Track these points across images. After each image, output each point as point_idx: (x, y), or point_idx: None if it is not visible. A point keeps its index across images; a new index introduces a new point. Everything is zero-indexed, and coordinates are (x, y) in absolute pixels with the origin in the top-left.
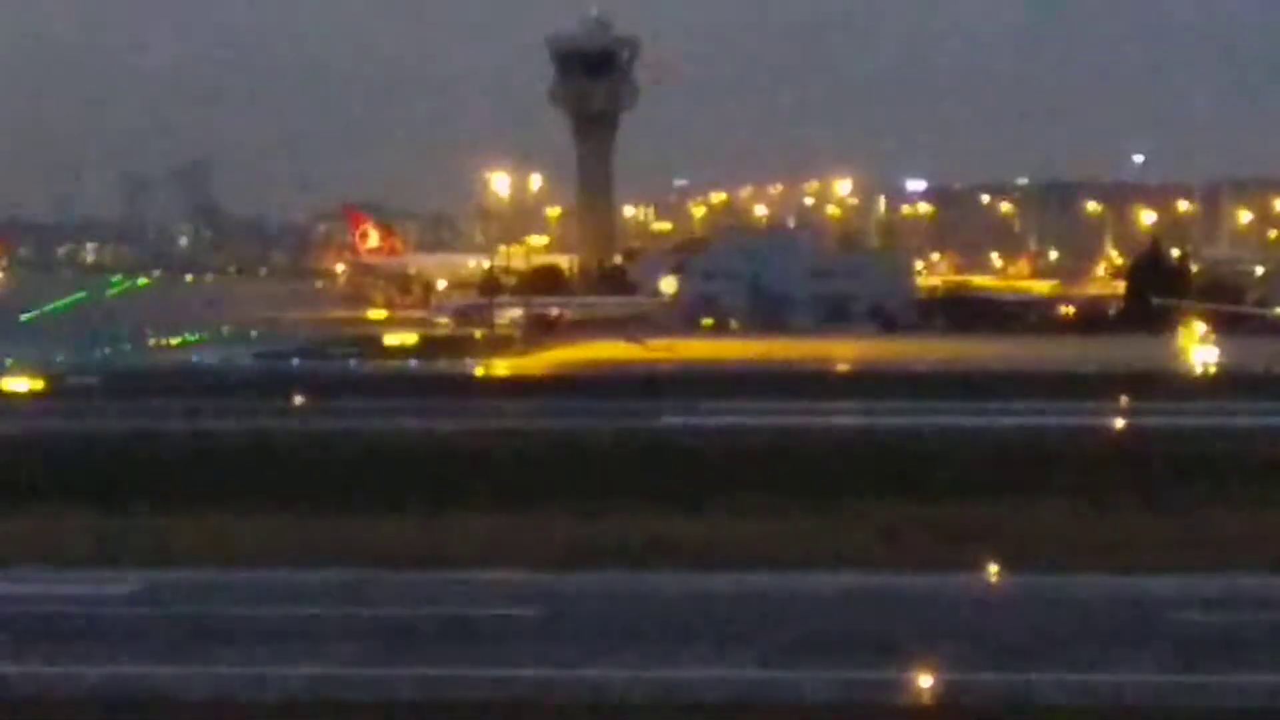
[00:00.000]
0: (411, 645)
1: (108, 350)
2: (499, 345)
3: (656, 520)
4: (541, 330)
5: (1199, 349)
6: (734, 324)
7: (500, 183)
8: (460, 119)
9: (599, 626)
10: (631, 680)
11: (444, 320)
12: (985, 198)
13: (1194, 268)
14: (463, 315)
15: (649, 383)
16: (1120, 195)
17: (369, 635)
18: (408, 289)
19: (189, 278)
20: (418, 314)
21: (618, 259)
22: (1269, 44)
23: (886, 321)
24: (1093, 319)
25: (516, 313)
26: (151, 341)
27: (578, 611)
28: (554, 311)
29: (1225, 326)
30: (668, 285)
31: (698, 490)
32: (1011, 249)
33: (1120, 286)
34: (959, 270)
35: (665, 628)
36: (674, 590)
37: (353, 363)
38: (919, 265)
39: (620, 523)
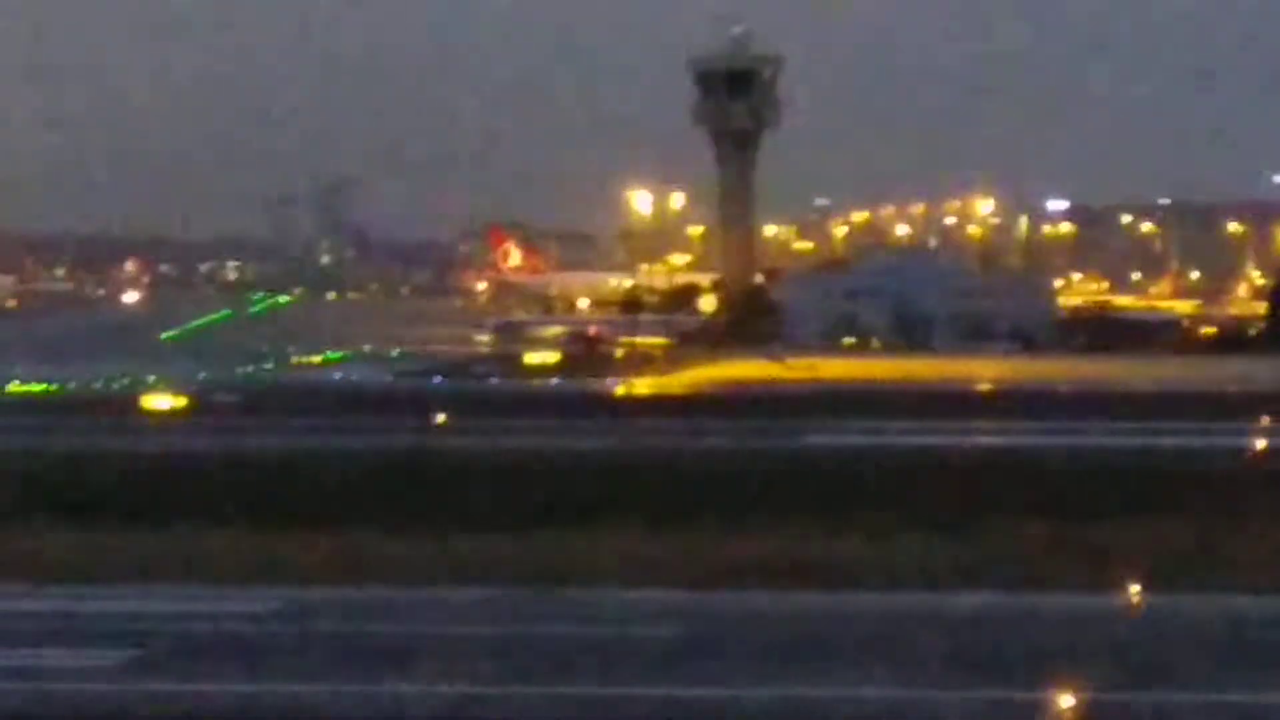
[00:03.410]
0: (553, 664)
1: (250, 368)
2: (640, 363)
3: (799, 539)
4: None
5: None
6: (875, 343)
7: (642, 201)
8: (603, 138)
9: (740, 646)
10: (771, 700)
11: (484, 338)
12: (1126, 217)
13: None
14: (503, 332)
15: (792, 401)
16: (1261, 215)
17: (511, 654)
18: (549, 308)
19: (331, 295)
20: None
21: (759, 278)
22: None
23: (1027, 341)
24: (1234, 339)
25: (558, 329)
26: (294, 359)
27: (719, 631)
28: (592, 330)
29: None
30: (706, 304)
31: (840, 509)
32: (1153, 268)
33: (1261, 307)
34: (1100, 290)
35: (806, 647)
36: (816, 610)
37: (493, 381)
38: (1059, 284)
39: (762, 542)
